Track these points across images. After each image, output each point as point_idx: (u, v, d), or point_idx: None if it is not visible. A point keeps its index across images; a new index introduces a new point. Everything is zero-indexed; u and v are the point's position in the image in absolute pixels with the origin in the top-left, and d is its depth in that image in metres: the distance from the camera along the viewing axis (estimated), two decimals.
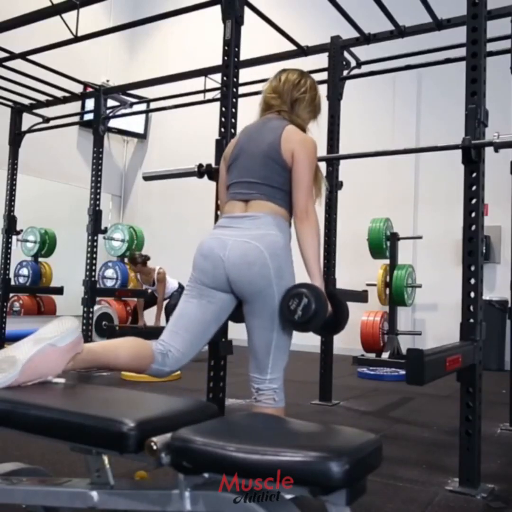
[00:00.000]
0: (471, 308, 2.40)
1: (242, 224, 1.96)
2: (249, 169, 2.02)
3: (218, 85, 4.50)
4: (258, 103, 2.21)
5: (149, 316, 6.93)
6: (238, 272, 1.90)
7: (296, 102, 2.12)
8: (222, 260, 1.92)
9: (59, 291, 7.28)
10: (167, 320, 6.69)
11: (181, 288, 6.72)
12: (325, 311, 1.87)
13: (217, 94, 4.78)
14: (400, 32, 4.13)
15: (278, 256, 1.90)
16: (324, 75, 4.51)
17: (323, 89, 4.36)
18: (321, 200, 2.10)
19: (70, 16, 4.16)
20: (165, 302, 6.72)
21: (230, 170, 2.11)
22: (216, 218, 3.05)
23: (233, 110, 3.01)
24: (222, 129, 2.98)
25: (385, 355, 5.67)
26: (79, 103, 7.53)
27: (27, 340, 1.45)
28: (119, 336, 2.94)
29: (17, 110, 6.24)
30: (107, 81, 8.63)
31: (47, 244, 7.65)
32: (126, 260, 7.30)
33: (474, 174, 2.42)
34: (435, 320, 6.83)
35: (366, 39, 4.25)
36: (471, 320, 2.40)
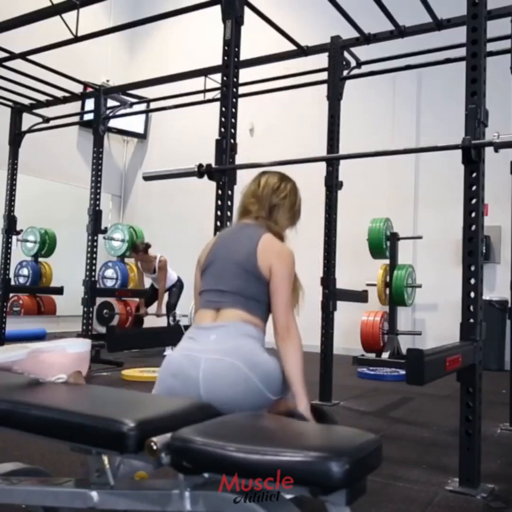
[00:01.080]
0: (471, 308, 2.40)
1: (210, 336, 1.85)
2: (222, 277, 1.95)
3: (218, 85, 4.50)
4: (236, 208, 2.18)
5: (151, 312, 6.96)
6: (220, 394, 1.75)
7: (274, 207, 2.06)
8: (196, 379, 1.77)
9: (59, 291, 7.28)
10: (168, 317, 6.73)
11: (180, 282, 6.75)
12: None
13: (217, 94, 4.78)
14: (400, 32, 4.13)
15: (259, 364, 1.80)
16: (324, 75, 4.51)
17: (323, 89, 4.42)
18: (299, 310, 2.01)
19: (70, 16, 4.16)
20: (165, 301, 6.74)
21: (203, 276, 2.03)
22: (216, 218, 3.06)
23: (233, 110, 3.01)
24: (222, 129, 2.98)
25: (385, 355, 5.68)
26: (79, 103, 7.53)
27: (41, 342, 1.54)
28: (119, 338, 2.94)
29: (17, 110, 6.24)
30: (107, 81, 8.63)
31: (47, 244, 7.65)
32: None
33: (474, 174, 2.42)
34: (435, 320, 6.83)
35: (366, 39, 4.25)
36: (471, 320, 2.40)
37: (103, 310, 7.39)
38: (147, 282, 6.99)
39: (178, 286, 6.76)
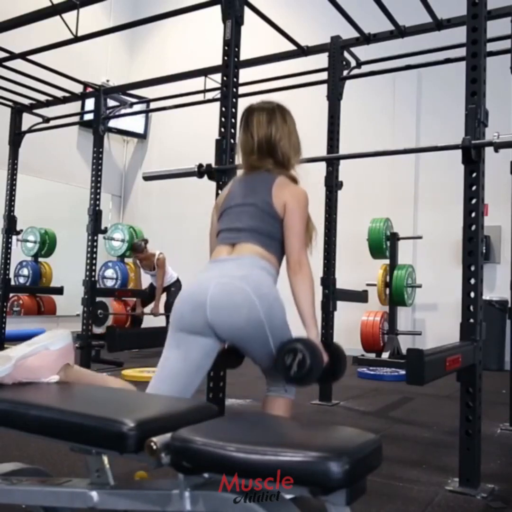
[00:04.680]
0: (471, 308, 2.40)
1: (225, 266, 1.91)
2: (239, 217, 2.00)
3: (218, 85, 4.50)
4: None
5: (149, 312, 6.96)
6: (224, 317, 1.81)
7: (276, 148, 2.04)
8: (203, 302, 1.83)
9: (59, 291, 7.28)
10: (167, 317, 6.72)
11: (179, 282, 6.75)
12: (320, 365, 1.81)
13: (217, 94, 4.78)
14: (400, 32, 4.13)
15: (267, 297, 1.84)
16: (324, 75, 4.51)
17: (323, 89, 4.42)
18: (312, 249, 2.05)
19: (70, 16, 4.16)
20: (163, 301, 6.74)
21: (221, 219, 2.08)
22: None
23: (233, 110, 3.01)
24: (222, 129, 2.98)
25: (385, 355, 5.68)
26: (79, 103, 7.53)
27: (22, 344, 1.50)
28: (119, 338, 2.94)
29: (17, 110, 6.24)
30: (107, 81, 8.62)
31: (47, 244, 7.65)
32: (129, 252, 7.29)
33: (474, 174, 2.42)
34: (435, 320, 6.83)
35: (366, 39, 4.25)
36: (471, 320, 2.40)
37: (96, 310, 7.30)
38: (146, 281, 6.99)
39: (178, 286, 6.76)
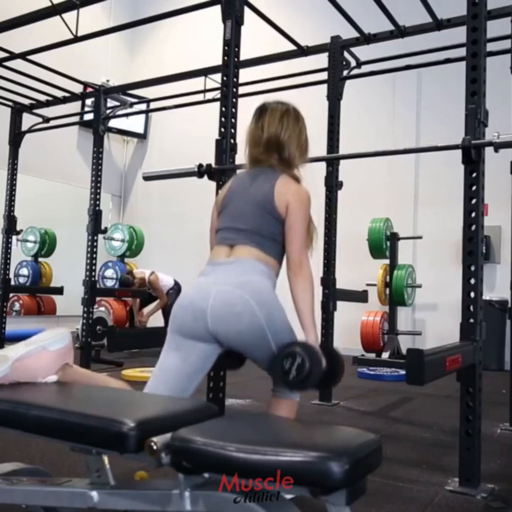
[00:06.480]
0: (471, 308, 2.40)
1: (224, 271, 1.89)
2: (240, 216, 1.98)
3: (218, 85, 4.50)
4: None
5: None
6: (226, 326, 1.81)
7: (283, 147, 2.03)
8: (204, 311, 1.82)
9: (59, 291, 7.28)
10: (166, 319, 6.74)
11: (177, 285, 6.76)
12: (319, 369, 1.80)
13: (217, 94, 4.78)
14: (400, 32, 4.13)
15: (266, 303, 1.83)
16: (324, 75, 4.51)
17: (323, 89, 4.42)
18: (312, 251, 2.03)
19: (70, 16, 4.16)
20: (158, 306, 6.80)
21: (221, 216, 2.06)
22: None
23: (233, 110, 3.01)
24: (222, 129, 2.98)
25: (385, 355, 5.68)
26: (79, 103, 7.53)
27: (20, 344, 1.49)
28: (119, 338, 2.95)
29: (17, 110, 6.23)
30: (107, 81, 8.63)
31: (47, 244, 7.65)
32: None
33: (474, 174, 2.42)
34: (435, 320, 6.83)
35: (366, 39, 4.25)
36: (471, 320, 2.40)
37: (96, 326, 7.19)
38: None
39: (176, 289, 6.79)
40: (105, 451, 1.16)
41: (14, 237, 6.32)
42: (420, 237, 6.48)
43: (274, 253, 1.95)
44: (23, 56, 4.94)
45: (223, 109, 3.00)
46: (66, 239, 7.98)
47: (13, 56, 4.99)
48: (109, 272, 7.66)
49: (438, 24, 4.00)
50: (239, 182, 2.09)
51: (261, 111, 2.10)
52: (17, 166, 6.20)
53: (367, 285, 5.68)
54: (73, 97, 6.02)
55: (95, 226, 5.46)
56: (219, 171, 2.98)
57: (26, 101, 6.12)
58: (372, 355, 5.73)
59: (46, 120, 6.31)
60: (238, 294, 1.81)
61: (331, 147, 4.20)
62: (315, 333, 1.88)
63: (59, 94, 5.91)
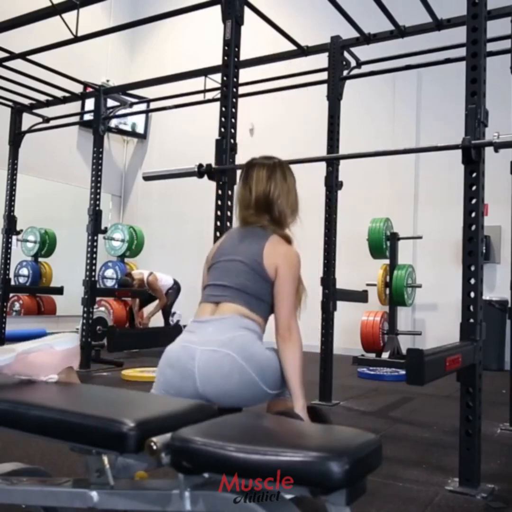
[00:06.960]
0: (471, 308, 2.40)
1: (208, 329, 1.86)
2: (227, 274, 1.96)
3: (218, 85, 4.50)
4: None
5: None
6: (215, 387, 1.78)
7: (273, 206, 2.02)
8: (191, 373, 1.79)
9: (59, 291, 7.28)
10: (166, 319, 6.75)
11: (176, 285, 6.77)
12: None
13: (217, 94, 4.78)
14: (400, 32, 4.13)
15: (254, 355, 1.81)
16: (324, 75, 4.51)
17: (323, 89, 4.42)
18: (300, 312, 2.00)
19: (70, 16, 4.16)
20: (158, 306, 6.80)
21: (210, 272, 2.05)
22: (216, 218, 3.06)
23: (233, 110, 3.01)
24: (222, 129, 2.98)
25: (385, 355, 5.67)
26: (79, 103, 7.52)
27: (28, 341, 1.51)
28: (119, 338, 2.94)
29: (17, 110, 6.24)
30: (107, 81, 8.63)
31: (47, 244, 7.65)
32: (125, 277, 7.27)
33: (474, 174, 2.42)
34: (435, 320, 6.83)
35: (366, 39, 4.25)
36: (471, 320, 2.40)
37: (96, 326, 7.20)
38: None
39: (175, 288, 6.79)
40: (105, 451, 1.16)
41: (14, 237, 6.32)
42: (420, 237, 6.48)
43: (259, 311, 1.92)
44: (23, 56, 4.94)
45: (223, 109, 3.00)
46: (66, 239, 7.98)
47: (13, 56, 4.99)
48: (109, 272, 7.66)
49: (438, 24, 4.00)
50: (230, 240, 2.08)
51: (248, 169, 2.09)
52: (17, 166, 6.20)
53: (367, 285, 5.68)
54: (73, 97, 6.02)
55: (95, 226, 5.46)
56: (219, 171, 2.98)
57: (26, 101, 6.12)
58: (372, 355, 5.73)
59: (46, 120, 6.31)
60: (224, 353, 1.78)
61: (331, 147, 4.20)
62: (303, 400, 1.85)
63: (59, 94, 5.91)
